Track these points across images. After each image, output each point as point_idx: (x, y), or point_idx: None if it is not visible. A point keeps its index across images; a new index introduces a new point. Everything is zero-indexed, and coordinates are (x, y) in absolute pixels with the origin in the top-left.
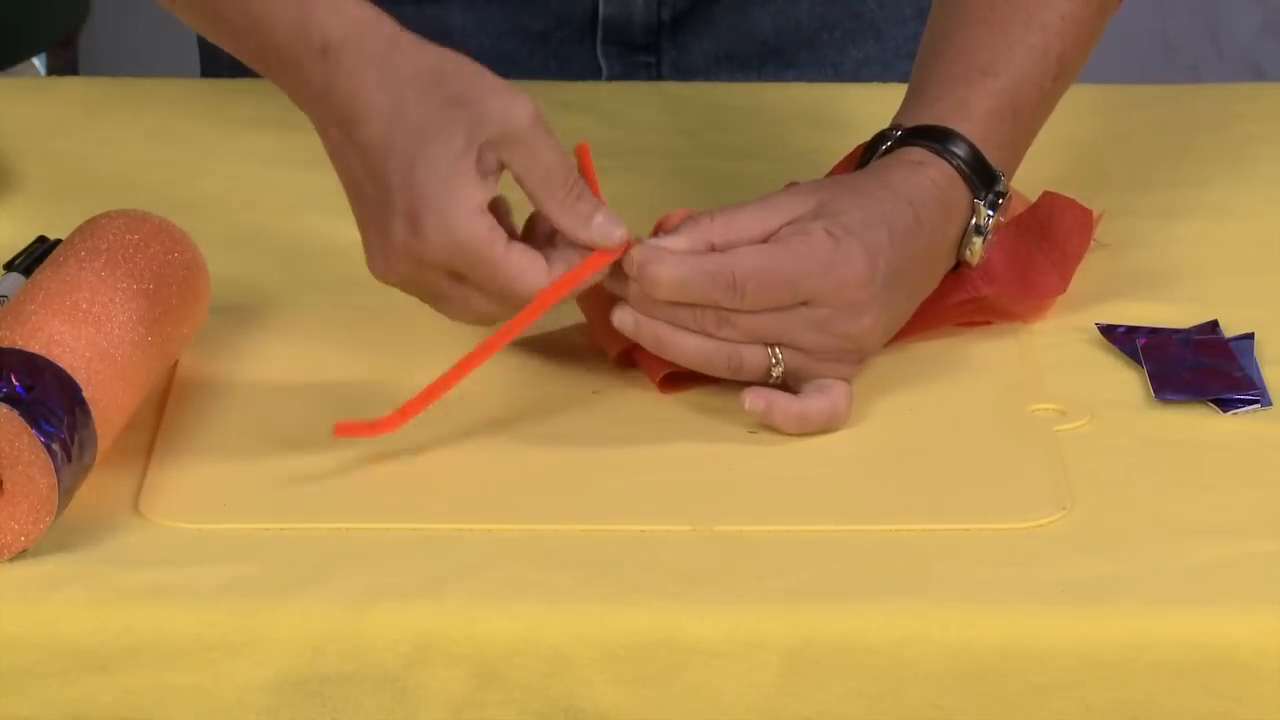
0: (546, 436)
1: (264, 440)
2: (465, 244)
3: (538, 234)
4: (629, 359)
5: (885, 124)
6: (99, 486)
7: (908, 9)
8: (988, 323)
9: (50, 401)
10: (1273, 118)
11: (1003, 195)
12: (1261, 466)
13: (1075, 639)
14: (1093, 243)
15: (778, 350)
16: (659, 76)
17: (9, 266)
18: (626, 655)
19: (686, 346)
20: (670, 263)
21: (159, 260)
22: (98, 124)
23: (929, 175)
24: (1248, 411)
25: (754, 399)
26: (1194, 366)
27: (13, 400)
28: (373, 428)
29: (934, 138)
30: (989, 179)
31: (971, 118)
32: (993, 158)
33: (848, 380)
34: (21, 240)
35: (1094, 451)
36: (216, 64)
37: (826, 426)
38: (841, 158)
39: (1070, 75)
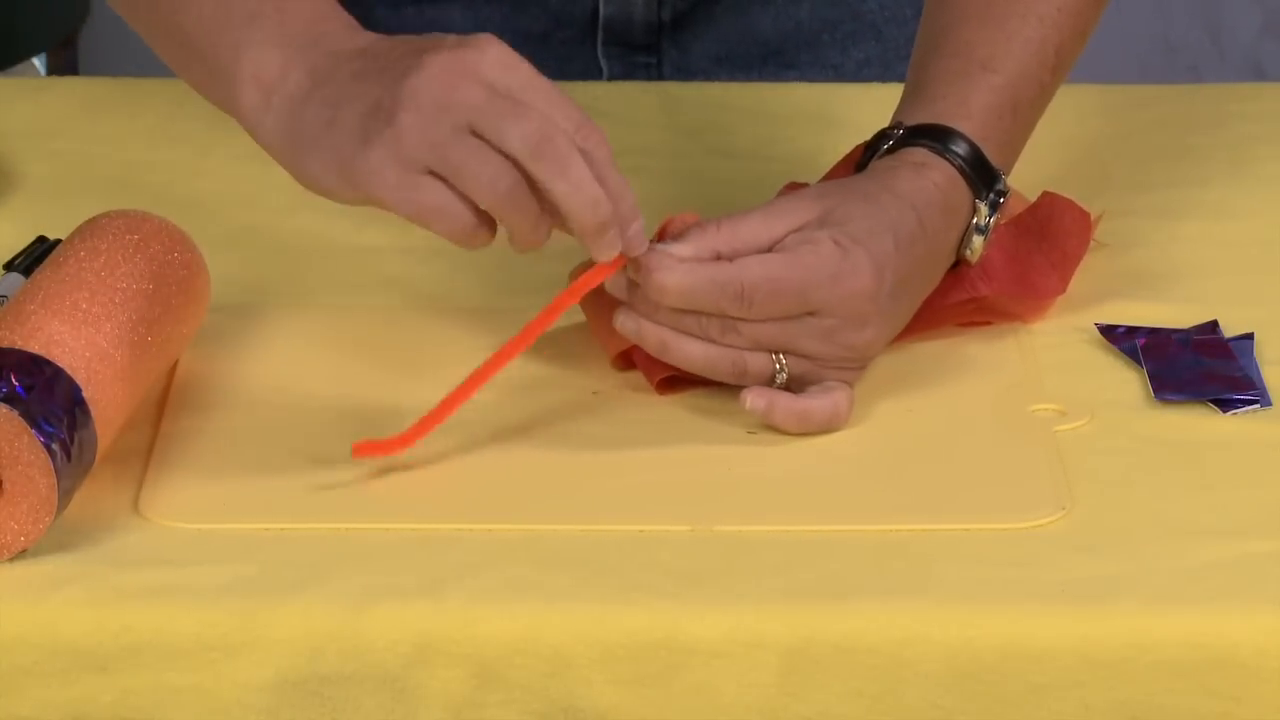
0: (546, 437)
1: (264, 440)
2: (471, 63)
3: None
4: (628, 360)
5: (886, 125)
6: (99, 486)
7: (908, 10)
8: (988, 323)
9: (50, 401)
10: (1273, 118)
11: (1003, 194)
12: (1261, 466)
13: (1075, 639)
14: (1093, 243)
15: (782, 357)
16: (659, 77)
17: (9, 266)
18: (626, 655)
19: (691, 352)
20: (678, 271)
21: (159, 260)
22: (98, 124)
23: (932, 178)
24: (1247, 411)
25: (755, 397)
26: (1194, 366)
27: (13, 400)
28: (388, 446)
29: (935, 137)
30: (989, 178)
31: (972, 115)
32: (993, 156)
33: (849, 384)
34: (21, 240)
35: (1094, 451)
36: None
37: (827, 426)
38: (842, 157)
39: (1067, 66)
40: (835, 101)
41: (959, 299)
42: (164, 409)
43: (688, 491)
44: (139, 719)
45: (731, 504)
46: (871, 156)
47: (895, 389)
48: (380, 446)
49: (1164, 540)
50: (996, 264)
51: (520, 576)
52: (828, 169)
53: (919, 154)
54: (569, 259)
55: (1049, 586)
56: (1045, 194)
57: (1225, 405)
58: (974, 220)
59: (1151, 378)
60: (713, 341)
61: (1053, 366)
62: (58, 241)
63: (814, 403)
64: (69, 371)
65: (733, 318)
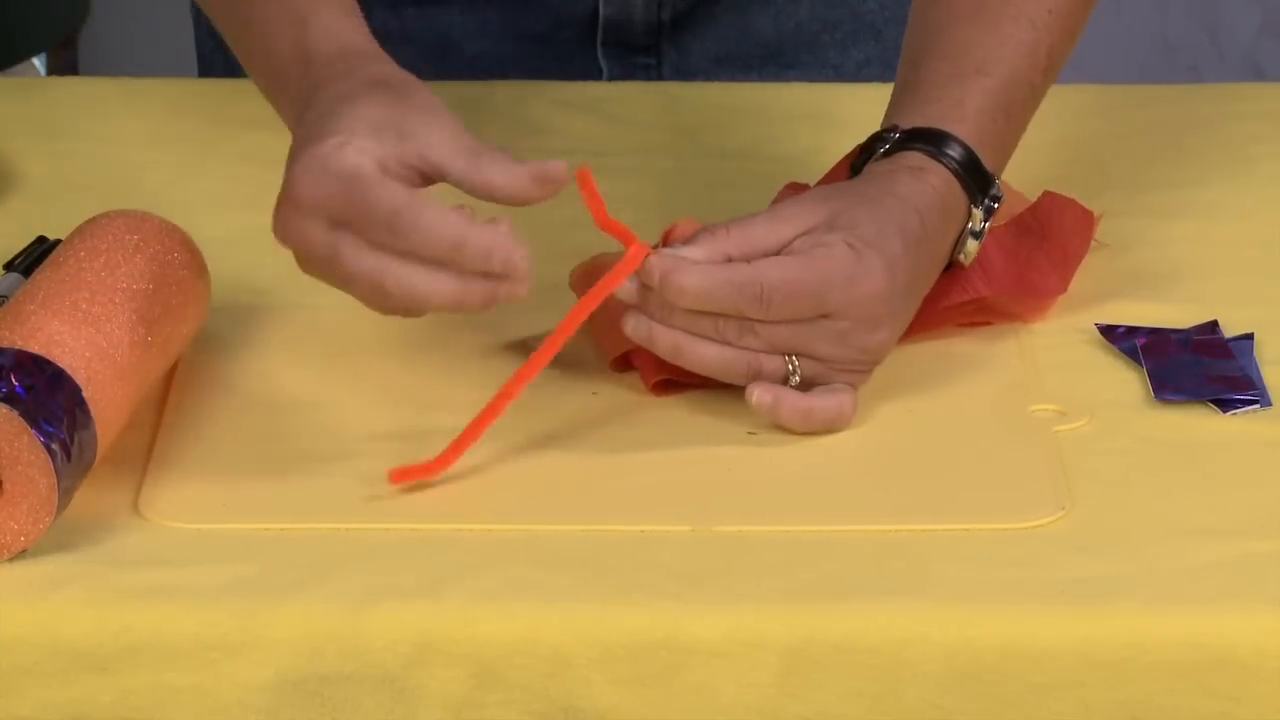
0: (546, 437)
1: (264, 440)
2: (329, 163)
3: None
4: (625, 363)
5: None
6: (99, 486)
7: (908, 10)
8: (988, 323)
9: (50, 401)
10: (1272, 118)
11: (997, 199)
12: (1261, 466)
13: (1075, 639)
14: (1093, 243)
15: (795, 359)
16: (659, 78)
17: (9, 266)
18: (626, 655)
19: (706, 355)
20: (695, 272)
21: (159, 260)
22: (98, 124)
23: (930, 182)
24: (1247, 411)
25: (762, 393)
26: (1194, 366)
27: (12, 400)
28: (424, 470)
29: (931, 141)
30: (984, 183)
31: (967, 119)
32: (986, 160)
33: (855, 386)
34: (21, 240)
35: (1094, 451)
36: (215, 64)
37: (831, 426)
38: (841, 158)
39: (1057, 68)
40: (835, 102)
41: (959, 299)
42: (164, 409)
43: (688, 491)
44: (139, 719)
45: (731, 504)
46: (867, 159)
47: (895, 389)
48: (416, 471)
49: (1164, 540)
50: (997, 264)
51: (520, 576)
52: (827, 169)
53: (916, 158)
54: (568, 259)
55: (1049, 586)
56: (1046, 194)
57: (1225, 405)
58: (969, 225)
59: (1151, 378)
60: (728, 344)
61: (1053, 366)
62: (58, 241)
63: (819, 402)
64: (69, 371)
65: (749, 319)
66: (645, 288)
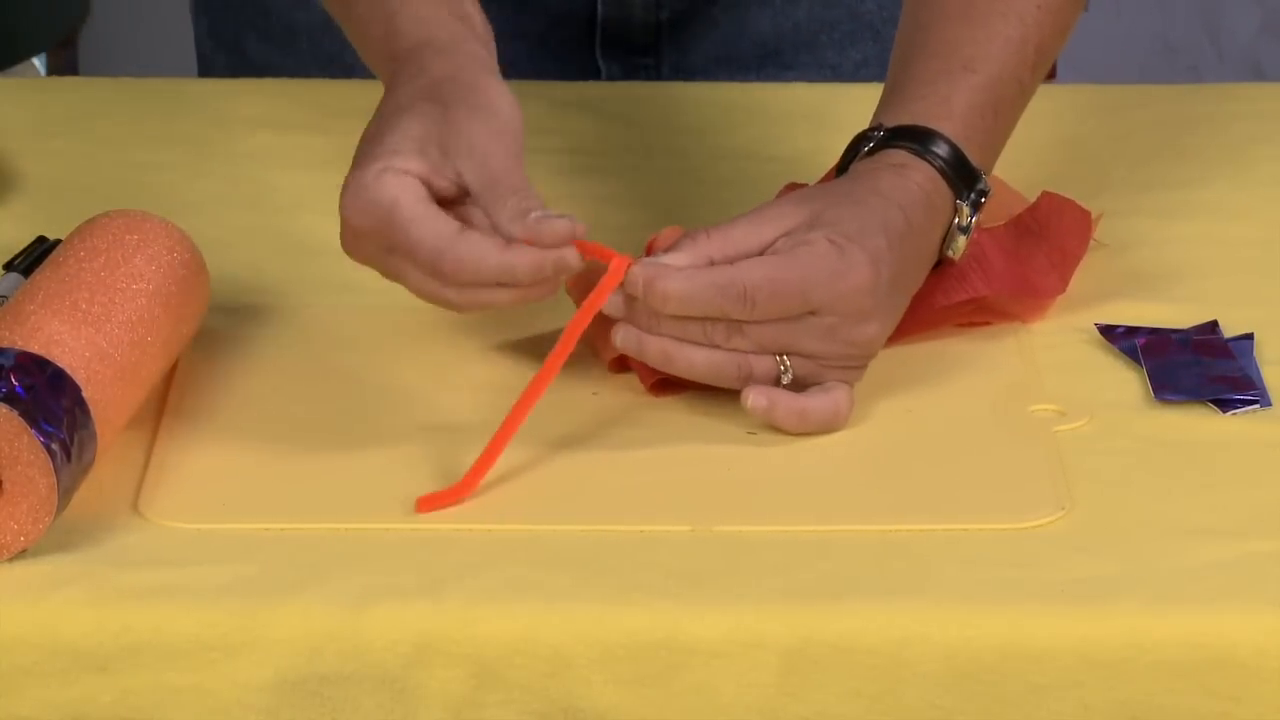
0: (546, 437)
1: (264, 440)
2: (370, 193)
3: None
4: (623, 364)
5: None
6: (99, 486)
7: None
8: (988, 323)
9: (50, 401)
10: (1273, 118)
11: (984, 194)
12: (1261, 466)
13: (1075, 639)
14: (1093, 243)
15: (786, 359)
16: (658, 78)
17: (9, 266)
18: (626, 655)
19: (695, 360)
20: (678, 277)
21: (159, 260)
22: (98, 124)
23: (913, 178)
24: (1247, 411)
25: (756, 395)
26: (1194, 366)
27: (12, 400)
28: (450, 496)
29: (916, 139)
30: (970, 178)
31: (953, 116)
32: (973, 156)
33: (850, 384)
34: (21, 240)
35: (1094, 451)
36: (215, 64)
37: (827, 426)
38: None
39: (1047, 65)
40: (833, 102)
41: (959, 299)
42: (164, 409)
43: (688, 491)
44: (139, 719)
45: (731, 504)
46: (852, 159)
47: (895, 389)
48: (442, 498)
49: (1164, 540)
50: (996, 264)
51: (520, 576)
52: (826, 169)
53: (899, 155)
54: None
55: (1049, 586)
56: (1045, 194)
57: (1225, 405)
58: (956, 220)
59: (1151, 378)
60: (717, 347)
61: (1053, 366)
62: (58, 241)
63: (814, 402)
64: (69, 371)
65: (736, 321)
66: (631, 299)
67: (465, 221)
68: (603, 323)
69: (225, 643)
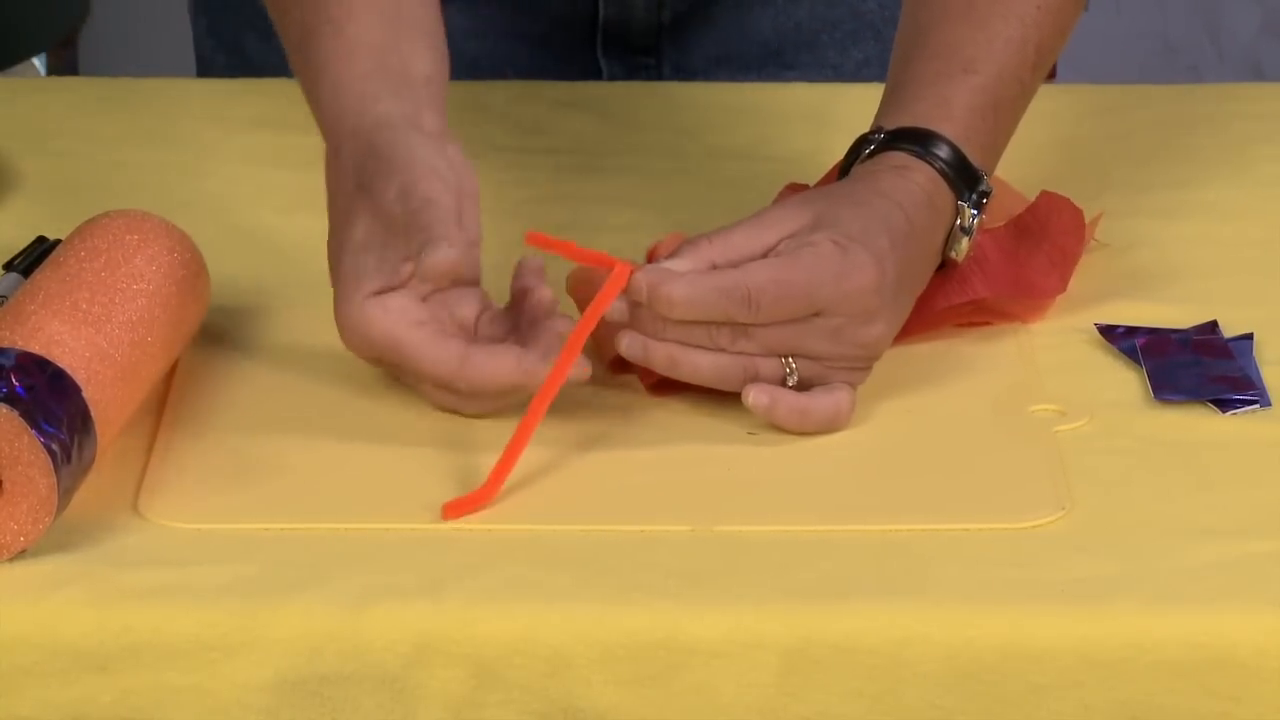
0: (546, 437)
1: (264, 440)
2: (363, 329)
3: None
4: (624, 364)
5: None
6: (99, 486)
7: None
8: (988, 323)
9: (50, 402)
10: (1273, 118)
11: (986, 195)
12: (1261, 466)
13: (1075, 639)
14: (1093, 243)
15: (792, 361)
16: (659, 78)
17: (8, 266)
18: (626, 655)
19: (701, 364)
20: (682, 282)
21: (159, 260)
22: (98, 124)
23: (915, 179)
24: (1247, 411)
25: (758, 393)
26: (1193, 366)
27: (12, 400)
28: (475, 501)
29: (916, 140)
30: (971, 180)
31: (953, 117)
32: (974, 157)
33: (854, 385)
34: (21, 240)
35: (1094, 451)
36: (215, 64)
37: (829, 426)
38: (836, 163)
39: (1047, 65)
40: (835, 102)
41: (958, 300)
42: (164, 409)
43: (688, 491)
44: (139, 719)
45: (731, 504)
46: (854, 161)
47: (895, 389)
48: (467, 503)
49: (1164, 540)
50: (995, 265)
51: (520, 576)
52: (827, 169)
53: (900, 158)
54: (563, 264)
55: (1049, 586)
56: (1043, 193)
57: (1225, 405)
58: (958, 221)
59: (1151, 378)
60: (722, 351)
61: (1052, 367)
62: (58, 241)
63: (816, 401)
64: (69, 371)
65: (741, 324)
66: (634, 305)
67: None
68: (603, 324)
69: (225, 643)
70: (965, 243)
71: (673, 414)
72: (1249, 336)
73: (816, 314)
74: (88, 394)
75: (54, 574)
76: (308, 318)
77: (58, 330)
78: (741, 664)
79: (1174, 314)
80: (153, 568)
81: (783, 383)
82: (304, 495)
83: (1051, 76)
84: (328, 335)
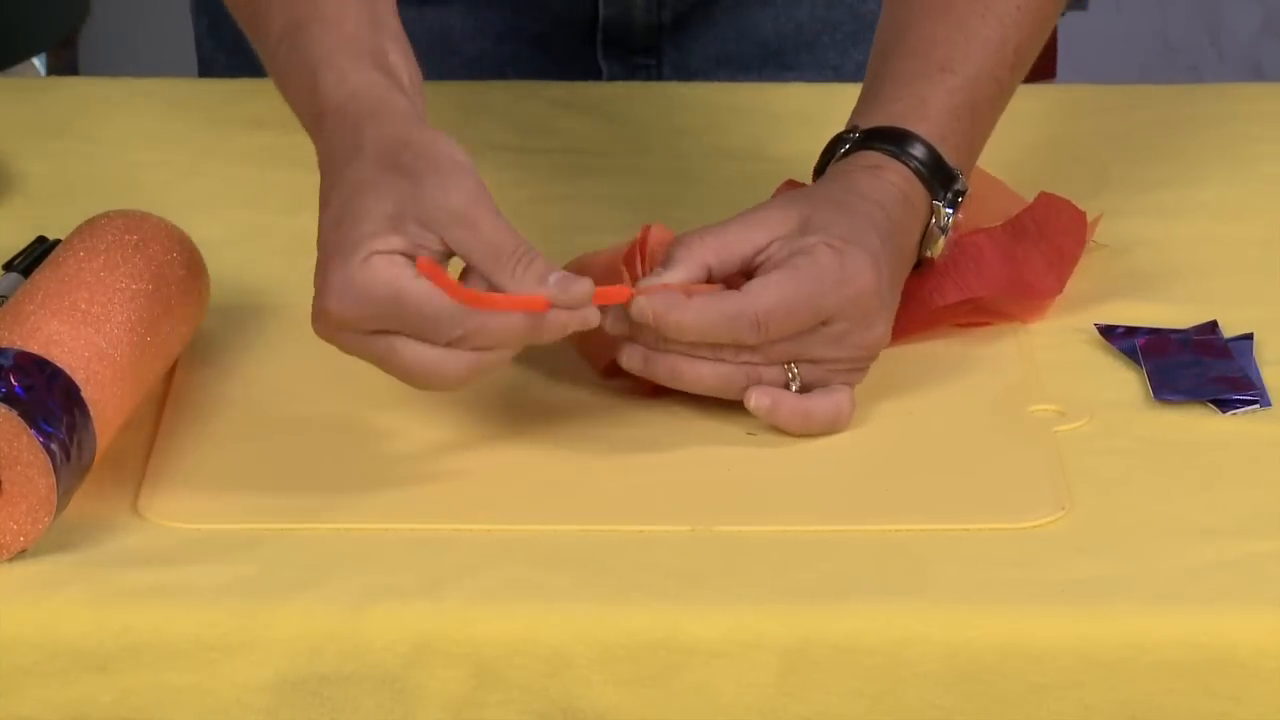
0: (545, 437)
1: (263, 440)
2: (364, 283)
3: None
4: (616, 369)
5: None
6: (98, 486)
7: None
8: (987, 323)
9: (49, 402)
10: (1273, 118)
11: (962, 194)
12: (1261, 466)
13: (1075, 639)
14: (1092, 243)
15: (794, 366)
16: (659, 78)
17: (8, 266)
18: (626, 655)
19: (705, 375)
20: (691, 311)
21: (159, 260)
22: (98, 124)
23: (889, 179)
24: (1247, 411)
25: (759, 395)
26: (1193, 366)
27: (12, 400)
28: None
29: (891, 140)
30: (947, 179)
31: (929, 117)
32: (950, 156)
33: (853, 386)
34: (21, 240)
35: (1093, 451)
36: (215, 64)
37: (830, 427)
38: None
39: (1026, 64)
40: (835, 102)
41: (955, 299)
42: (164, 409)
43: (688, 492)
44: (139, 719)
45: (731, 504)
46: (829, 160)
47: (895, 389)
48: (615, 294)
49: (1164, 540)
50: (993, 265)
51: (520, 576)
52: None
53: (874, 157)
54: (561, 260)
55: (1049, 586)
56: (1042, 194)
57: (1225, 405)
58: (934, 220)
59: (1151, 378)
60: (725, 361)
61: (1052, 367)
62: (58, 241)
63: (817, 403)
64: (68, 371)
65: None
66: (630, 322)
67: None
68: (598, 334)
69: (225, 643)
70: (942, 241)
71: (672, 414)
72: (1249, 336)
73: (822, 322)
74: (87, 394)
75: (54, 574)
76: (308, 318)
77: (57, 330)
78: (741, 664)
79: (1174, 314)
80: (153, 568)
81: (785, 388)
82: (304, 495)
83: (1051, 76)
84: None
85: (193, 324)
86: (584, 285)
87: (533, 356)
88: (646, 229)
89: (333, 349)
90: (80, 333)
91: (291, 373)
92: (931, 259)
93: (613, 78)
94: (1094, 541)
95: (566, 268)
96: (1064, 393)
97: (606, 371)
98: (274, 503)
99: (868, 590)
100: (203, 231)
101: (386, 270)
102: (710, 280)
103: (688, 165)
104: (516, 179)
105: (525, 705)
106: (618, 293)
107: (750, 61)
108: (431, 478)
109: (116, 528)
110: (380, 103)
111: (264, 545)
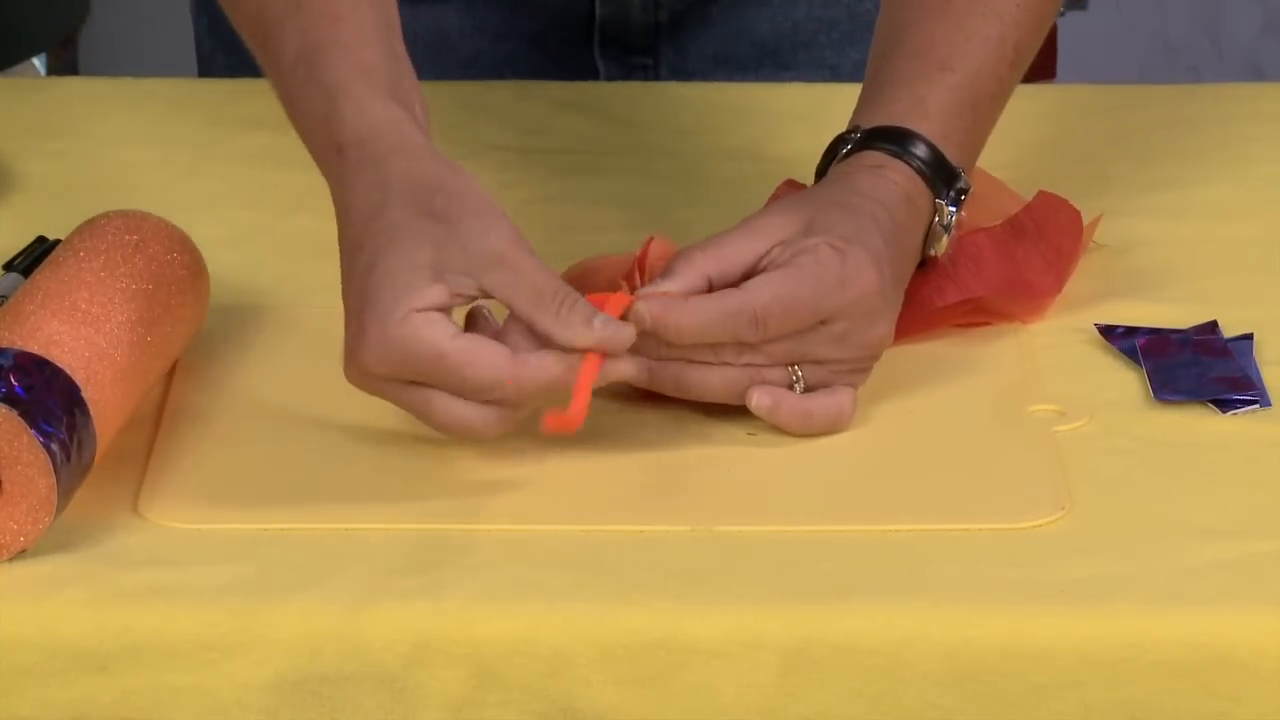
0: (545, 437)
1: (263, 440)
2: (402, 343)
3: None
4: None
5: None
6: (98, 486)
7: None
8: (987, 323)
9: (49, 402)
10: (1273, 118)
11: (964, 191)
12: (1261, 466)
13: (1075, 639)
14: (1092, 243)
15: (798, 368)
16: (656, 78)
17: (8, 266)
18: (626, 655)
19: (709, 381)
20: (689, 310)
21: (159, 260)
22: (98, 124)
23: (891, 178)
24: (1247, 412)
25: (761, 395)
26: (1193, 366)
27: (12, 400)
28: (568, 421)
29: (893, 139)
30: (949, 177)
31: (930, 116)
32: (952, 155)
33: (856, 386)
34: (21, 240)
35: (1093, 451)
36: (215, 64)
37: (831, 428)
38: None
39: (1025, 61)
40: (832, 102)
41: (954, 300)
42: (164, 409)
43: (688, 491)
44: (139, 719)
45: (731, 504)
46: (830, 160)
47: (895, 389)
48: (564, 422)
49: (1164, 540)
50: (992, 264)
51: (520, 576)
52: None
53: (876, 157)
54: (561, 261)
55: (1049, 587)
56: (1040, 193)
57: (1225, 405)
58: (937, 219)
59: (1151, 378)
60: (728, 365)
61: (1052, 367)
62: (58, 241)
63: (818, 403)
64: (68, 371)
65: (749, 343)
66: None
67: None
68: None
69: (225, 643)
70: (945, 240)
71: (672, 414)
72: (1249, 336)
73: (822, 322)
74: (87, 394)
75: (54, 574)
76: (308, 318)
77: (57, 330)
78: (741, 664)
79: (1174, 314)
80: (153, 568)
81: (790, 389)
82: (304, 495)
83: (1051, 76)
84: (328, 336)
85: (193, 324)
86: (628, 330)
87: None
88: (648, 242)
89: (333, 349)
90: (80, 333)
91: (291, 373)
92: (935, 258)
93: (610, 77)
94: (1094, 541)
95: (565, 276)
96: (1064, 393)
97: None
98: (274, 503)
99: (868, 590)
100: (203, 231)
101: (425, 330)
102: (711, 291)
103: (687, 165)
104: (514, 179)
105: (525, 705)
106: (617, 300)
107: (747, 61)
108: (431, 478)
109: (116, 528)
110: (404, 140)
111: (264, 545)
